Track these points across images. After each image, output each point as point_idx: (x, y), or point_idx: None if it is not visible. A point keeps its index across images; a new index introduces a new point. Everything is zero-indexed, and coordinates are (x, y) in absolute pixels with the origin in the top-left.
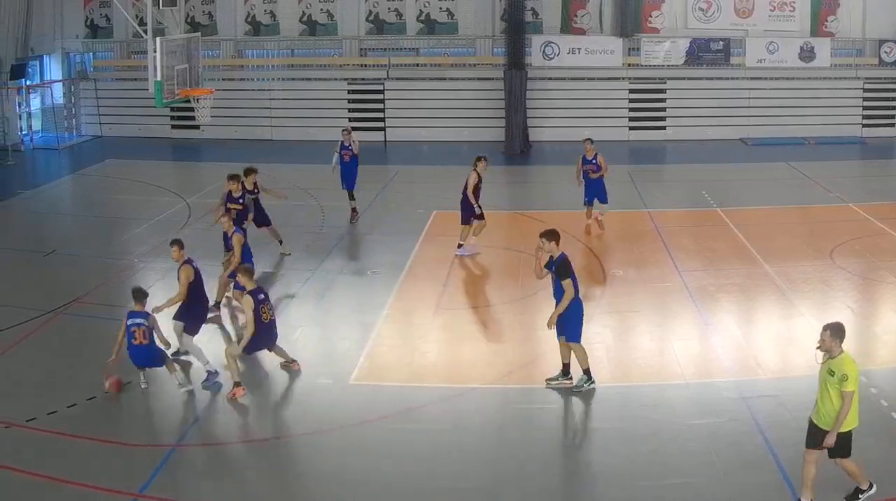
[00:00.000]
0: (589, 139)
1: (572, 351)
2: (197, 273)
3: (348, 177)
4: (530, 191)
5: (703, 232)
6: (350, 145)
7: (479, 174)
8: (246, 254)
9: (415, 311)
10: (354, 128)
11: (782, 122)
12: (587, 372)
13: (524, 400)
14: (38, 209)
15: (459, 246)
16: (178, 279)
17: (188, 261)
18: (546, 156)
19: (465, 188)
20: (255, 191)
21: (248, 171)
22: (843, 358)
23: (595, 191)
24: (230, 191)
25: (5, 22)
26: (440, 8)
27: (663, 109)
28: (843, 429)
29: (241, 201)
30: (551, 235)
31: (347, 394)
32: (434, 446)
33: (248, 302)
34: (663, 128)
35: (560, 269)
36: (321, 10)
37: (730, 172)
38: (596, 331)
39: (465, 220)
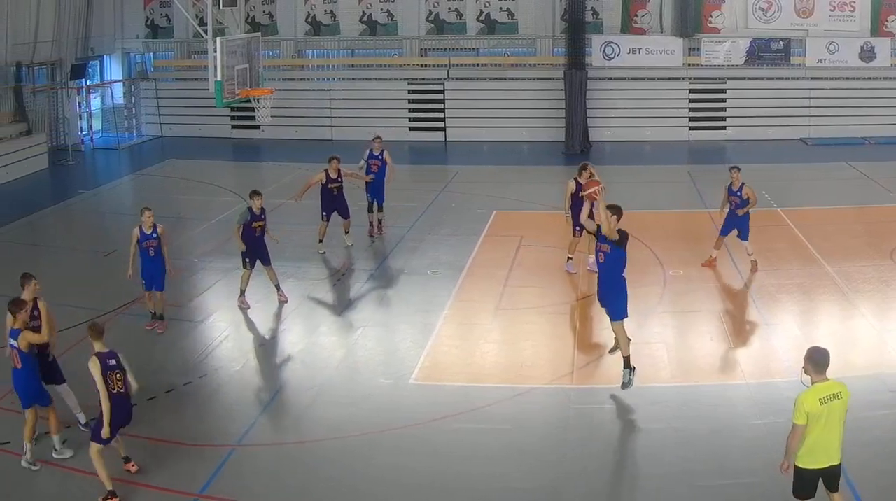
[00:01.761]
0: (736, 167)
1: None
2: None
3: (378, 190)
4: None
5: (763, 232)
6: (380, 154)
7: (576, 182)
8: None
9: (475, 311)
10: (414, 129)
11: (842, 122)
12: (626, 360)
13: (585, 400)
14: (99, 209)
15: (569, 258)
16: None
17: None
18: (606, 155)
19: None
20: (339, 178)
21: (331, 159)
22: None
23: (736, 223)
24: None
25: (66, 22)
26: (500, 8)
27: (723, 109)
28: (797, 463)
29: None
30: (615, 209)
31: (408, 394)
32: (495, 446)
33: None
34: (723, 128)
35: (621, 239)
36: (381, 10)
37: (790, 172)
38: (656, 331)
39: (574, 231)
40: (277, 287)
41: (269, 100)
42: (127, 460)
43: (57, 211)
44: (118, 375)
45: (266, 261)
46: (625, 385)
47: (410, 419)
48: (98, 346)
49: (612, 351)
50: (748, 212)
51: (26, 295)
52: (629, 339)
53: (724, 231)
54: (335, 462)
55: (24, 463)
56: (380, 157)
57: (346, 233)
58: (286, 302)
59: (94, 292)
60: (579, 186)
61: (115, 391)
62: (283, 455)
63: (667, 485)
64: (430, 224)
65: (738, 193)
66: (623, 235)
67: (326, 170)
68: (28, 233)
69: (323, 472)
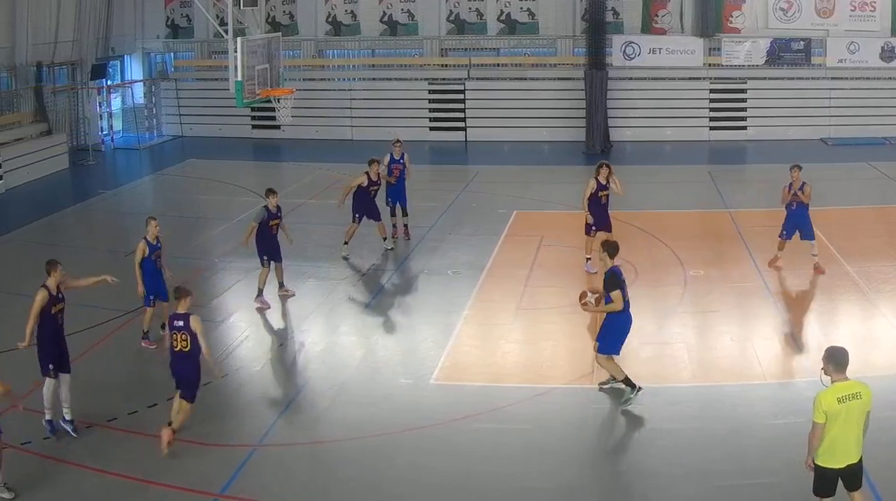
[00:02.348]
0: (797, 165)
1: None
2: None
3: (400, 193)
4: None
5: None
6: (401, 158)
7: (597, 181)
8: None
9: (495, 311)
10: (435, 129)
11: (863, 122)
12: (626, 381)
13: (604, 400)
14: (119, 209)
15: (587, 259)
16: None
17: None
18: (627, 155)
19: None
20: (379, 181)
21: (371, 162)
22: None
23: (798, 224)
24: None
25: (86, 22)
26: (521, 8)
27: (744, 109)
28: (817, 461)
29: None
30: (605, 246)
31: (428, 394)
32: (515, 446)
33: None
34: (744, 128)
35: (607, 283)
36: (402, 10)
37: (810, 172)
38: (677, 331)
39: (587, 230)
40: (281, 284)
41: (290, 100)
42: (169, 424)
43: (77, 211)
44: (183, 335)
45: (278, 259)
46: (624, 402)
47: (430, 419)
48: (180, 306)
49: (602, 385)
50: (808, 211)
51: (50, 282)
52: (618, 367)
53: (788, 234)
54: (355, 462)
55: None
56: (401, 161)
57: (385, 237)
58: (292, 295)
59: (115, 292)
60: (599, 185)
61: (175, 349)
62: (304, 455)
63: (686, 485)
64: (450, 224)
65: (799, 193)
66: (610, 280)
67: (367, 173)
68: (48, 233)
69: (343, 472)
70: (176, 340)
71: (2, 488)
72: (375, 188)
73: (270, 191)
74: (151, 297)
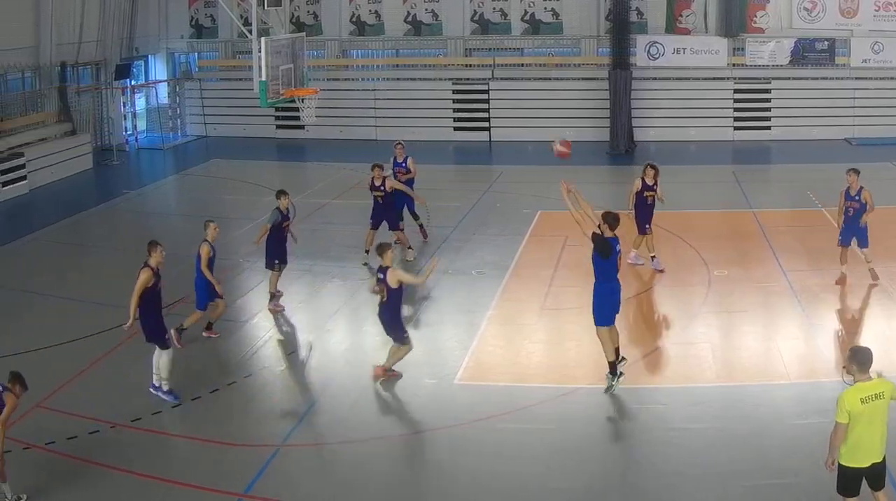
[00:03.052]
0: (854, 169)
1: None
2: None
3: (405, 198)
4: None
5: (808, 232)
6: (404, 162)
7: (642, 181)
8: None
9: (520, 311)
10: (459, 129)
11: (887, 122)
12: (612, 365)
13: (629, 399)
14: (143, 209)
15: (653, 257)
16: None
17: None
18: (651, 155)
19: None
20: (382, 187)
21: (374, 167)
22: (851, 387)
23: (854, 230)
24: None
25: (110, 23)
26: (545, 8)
27: (768, 109)
28: (840, 461)
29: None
30: (605, 217)
31: (453, 394)
32: (539, 446)
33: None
34: (768, 128)
35: (598, 242)
36: (426, 9)
37: (834, 172)
38: (701, 331)
39: (640, 230)
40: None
41: (314, 100)
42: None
43: (101, 211)
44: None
45: (285, 262)
46: (607, 389)
47: (454, 419)
48: (384, 260)
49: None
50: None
51: (152, 262)
52: (613, 345)
53: (845, 240)
54: (379, 462)
55: None
56: (403, 164)
57: (408, 247)
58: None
59: None
60: (645, 186)
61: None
62: (327, 455)
63: (710, 486)
64: (474, 224)
65: (857, 198)
66: (600, 242)
67: (372, 178)
68: (73, 233)
69: (367, 472)
70: (379, 289)
71: (13, 497)
72: (379, 194)
73: (282, 193)
74: (206, 302)
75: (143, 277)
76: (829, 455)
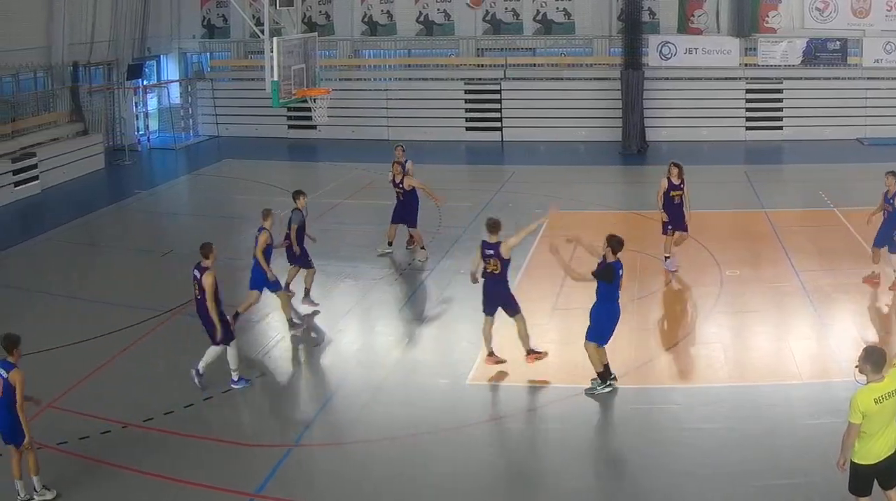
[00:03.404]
0: (892, 172)
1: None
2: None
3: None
4: (647, 191)
5: (820, 232)
6: (403, 165)
7: (668, 181)
8: None
9: (532, 311)
10: (471, 129)
11: None
12: (600, 375)
13: (640, 400)
14: (156, 209)
15: (665, 258)
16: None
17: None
18: (663, 155)
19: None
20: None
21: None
22: (865, 387)
23: (890, 232)
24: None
25: (122, 23)
26: (557, 8)
27: (780, 109)
28: (853, 459)
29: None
30: (609, 241)
31: (465, 394)
32: (552, 446)
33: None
34: (780, 128)
35: (600, 271)
36: (438, 9)
37: (846, 172)
38: (713, 331)
39: (663, 230)
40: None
41: (326, 100)
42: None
43: (113, 211)
44: (494, 261)
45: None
46: (588, 391)
47: (467, 419)
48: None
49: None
50: None
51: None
52: (600, 359)
53: (880, 242)
54: (391, 462)
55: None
56: (403, 166)
57: (421, 247)
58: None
59: (152, 292)
60: (671, 185)
61: (488, 271)
62: (340, 455)
63: (722, 485)
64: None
65: (893, 201)
66: (603, 270)
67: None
68: (85, 233)
69: (379, 472)
70: (489, 264)
71: (42, 490)
72: (399, 191)
73: (301, 193)
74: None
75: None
76: (840, 455)
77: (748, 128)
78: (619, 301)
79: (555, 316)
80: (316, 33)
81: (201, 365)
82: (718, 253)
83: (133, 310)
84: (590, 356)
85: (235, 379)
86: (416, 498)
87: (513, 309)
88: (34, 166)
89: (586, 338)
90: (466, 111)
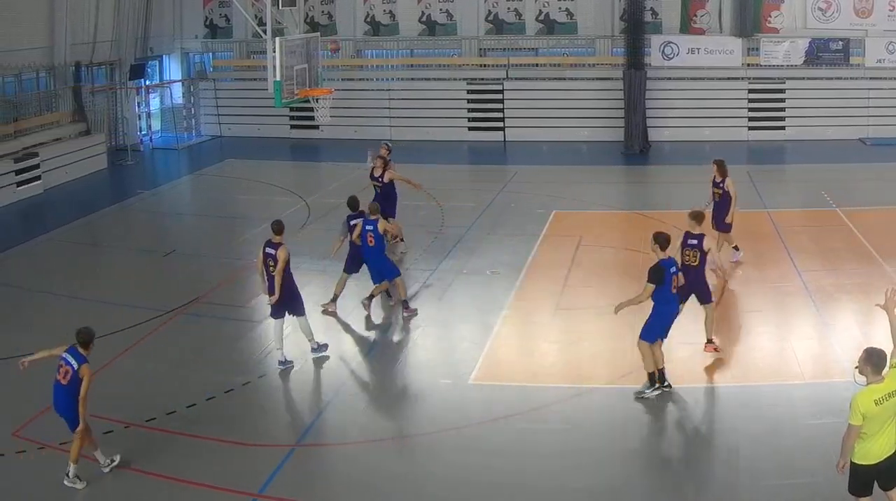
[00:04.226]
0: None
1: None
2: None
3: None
4: (650, 190)
5: (823, 232)
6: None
7: (712, 179)
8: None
9: (534, 311)
10: (473, 129)
11: None
12: (651, 376)
13: (644, 400)
14: (158, 209)
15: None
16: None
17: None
18: (665, 155)
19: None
20: (378, 178)
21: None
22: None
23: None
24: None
25: (125, 23)
26: (559, 8)
27: (783, 109)
28: (853, 459)
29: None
30: (655, 238)
31: (467, 394)
32: (555, 446)
33: None
34: (782, 128)
35: (649, 273)
36: (440, 9)
37: (849, 172)
38: (715, 331)
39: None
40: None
41: (328, 100)
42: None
43: (116, 211)
44: (694, 251)
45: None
46: (638, 394)
47: (469, 419)
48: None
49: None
50: None
51: (280, 239)
52: (654, 360)
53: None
54: (394, 461)
55: None
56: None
57: (400, 239)
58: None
59: (154, 292)
60: (714, 183)
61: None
62: (343, 454)
63: (725, 485)
64: (489, 224)
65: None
66: (652, 271)
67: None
68: (87, 233)
69: (382, 472)
70: (688, 256)
71: (74, 478)
72: (378, 184)
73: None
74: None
75: (284, 254)
76: (840, 457)
77: (750, 128)
78: (678, 301)
79: (558, 315)
80: (318, 33)
81: (313, 344)
82: (721, 252)
83: (135, 310)
84: (643, 355)
85: (315, 346)
86: (420, 498)
87: (706, 297)
88: (36, 166)
89: (640, 337)
90: (469, 111)
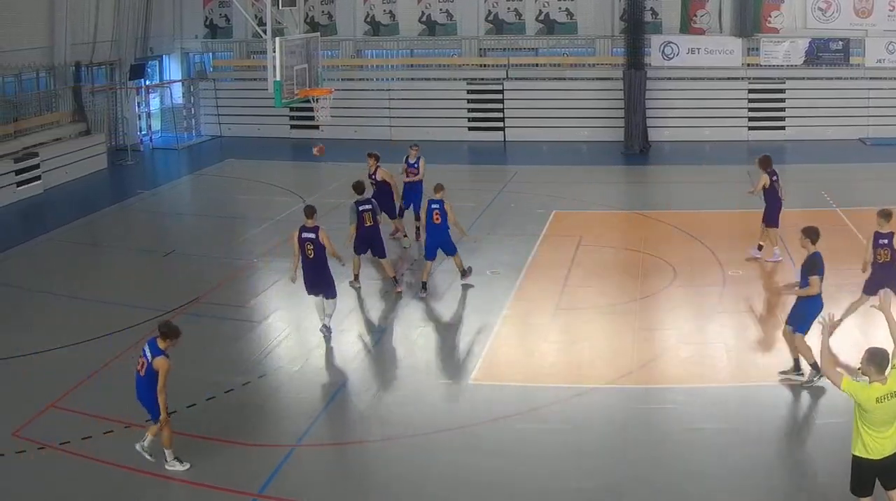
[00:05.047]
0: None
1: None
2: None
3: (415, 197)
4: (650, 190)
5: (823, 232)
6: (416, 163)
7: (768, 176)
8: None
9: (534, 311)
10: (473, 129)
11: None
12: (814, 366)
13: (644, 400)
14: (158, 209)
15: (762, 247)
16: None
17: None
18: (665, 155)
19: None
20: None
21: (369, 156)
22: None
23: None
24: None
25: (125, 23)
26: (559, 8)
27: (783, 109)
28: (854, 452)
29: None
30: (805, 232)
31: (467, 394)
32: (555, 446)
33: None
34: (782, 128)
35: (806, 266)
36: (440, 9)
37: (849, 172)
38: (716, 331)
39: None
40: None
41: (328, 100)
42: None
43: (116, 211)
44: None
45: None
46: (807, 384)
47: (470, 419)
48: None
49: (782, 373)
50: None
51: (314, 222)
52: (809, 347)
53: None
54: (394, 461)
55: None
56: (415, 165)
57: (403, 235)
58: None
59: (154, 292)
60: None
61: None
62: (343, 454)
63: (726, 486)
64: (489, 224)
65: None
66: (807, 264)
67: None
68: (87, 232)
69: (382, 472)
70: (880, 254)
71: (173, 461)
72: (372, 183)
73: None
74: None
75: (325, 235)
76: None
77: (750, 129)
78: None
79: (558, 316)
80: (318, 33)
81: (327, 321)
82: (721, 253)
83: (135, 310)
84: (799, 348)
85: (328, 323)
86: (420, 498)
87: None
88: (36, 166)
89: (794, 330)
90: (469, 111)
